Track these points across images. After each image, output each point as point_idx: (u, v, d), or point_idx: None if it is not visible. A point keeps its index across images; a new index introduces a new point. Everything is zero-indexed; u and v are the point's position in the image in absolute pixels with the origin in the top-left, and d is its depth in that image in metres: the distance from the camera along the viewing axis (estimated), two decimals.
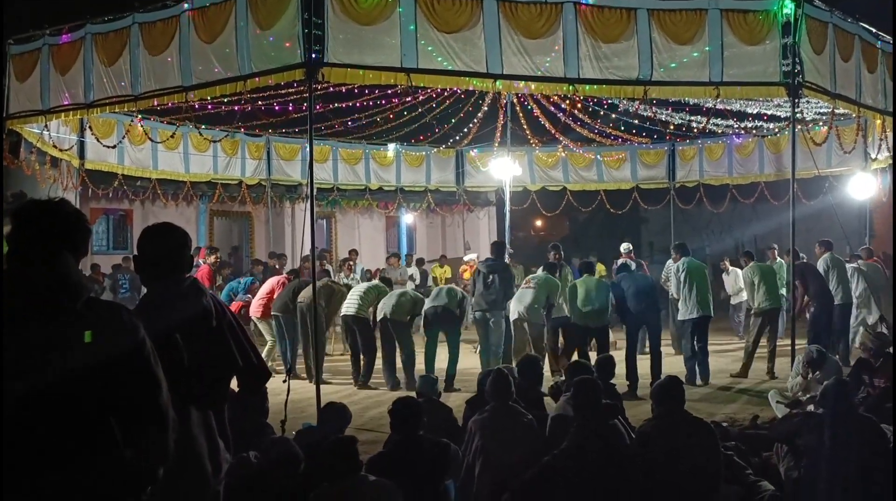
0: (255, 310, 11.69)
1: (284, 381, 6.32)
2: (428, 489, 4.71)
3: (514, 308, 10.56)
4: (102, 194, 16.38)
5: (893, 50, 11.13)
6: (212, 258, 12.91)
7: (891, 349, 8.07)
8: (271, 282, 11.88)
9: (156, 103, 10.41)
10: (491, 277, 10.41)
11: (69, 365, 2.22)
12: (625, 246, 13.61)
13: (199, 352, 3.04)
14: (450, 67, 8.84)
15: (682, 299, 10.74)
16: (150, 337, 2.45)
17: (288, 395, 7.02)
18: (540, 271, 11.11)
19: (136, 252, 3.28)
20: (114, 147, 13.85)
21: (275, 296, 11.40)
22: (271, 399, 5.82)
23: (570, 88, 9.65)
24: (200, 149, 16.13)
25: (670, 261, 12.57)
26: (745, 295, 12.68)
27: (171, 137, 14.30)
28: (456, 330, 10.77)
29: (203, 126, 14.97)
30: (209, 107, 13.00)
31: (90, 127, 13.20)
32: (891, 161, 14.02)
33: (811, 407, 6.53)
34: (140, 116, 13.77)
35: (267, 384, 4.20)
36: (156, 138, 14.66)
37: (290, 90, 12.63)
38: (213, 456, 3.04)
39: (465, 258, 17.85)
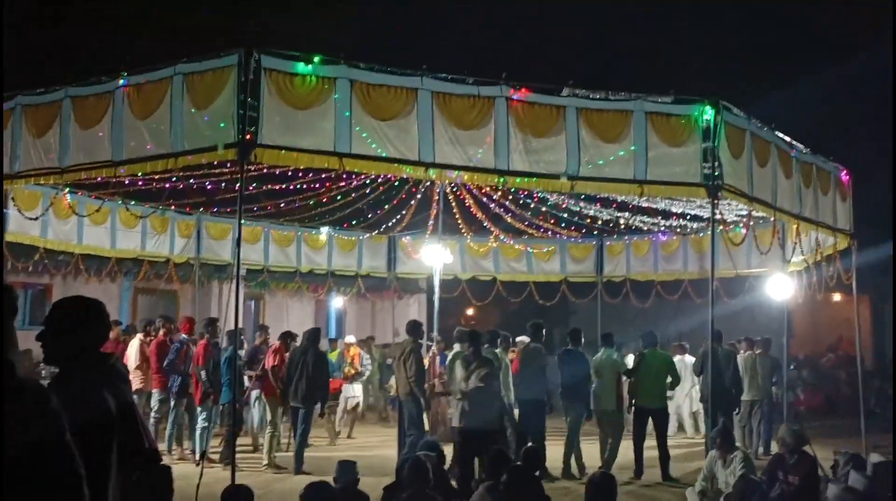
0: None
1: (197, 465, 6.15)
2: None
3: (601, 403, 10.89)
4: (22, 268, 15.85)
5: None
6: (208, 332, 11.88)
7: (807, 448, 8.21)
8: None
9: (84, 177, 10.25)
10: (576, 366, 10.90)
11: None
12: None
13: (120, 431, 3.03)
14: (383, 154, 8.96)
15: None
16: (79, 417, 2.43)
17: (200, 479, 6.86)
18: (602, 354, 11.44)
19: (52, 328, 3.16)
20: (36, 219, 13.51)
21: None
22: None
23: (501, 180, 9.87)
24: (128, 225, 15.77)
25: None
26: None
27: (97, 211, 14.03)
28: None
29: (132, 202, 14.76)
30: (139, 183, 12.83)
31: (13, 198, 12.88)
32: (806, 264, 14.56)
33: None
34: (67, 190, 13.52)
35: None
36: (82, 212, 14.37)
37: (223, 170, 12.58)
38: None
39: (348, 340, 17.30)
